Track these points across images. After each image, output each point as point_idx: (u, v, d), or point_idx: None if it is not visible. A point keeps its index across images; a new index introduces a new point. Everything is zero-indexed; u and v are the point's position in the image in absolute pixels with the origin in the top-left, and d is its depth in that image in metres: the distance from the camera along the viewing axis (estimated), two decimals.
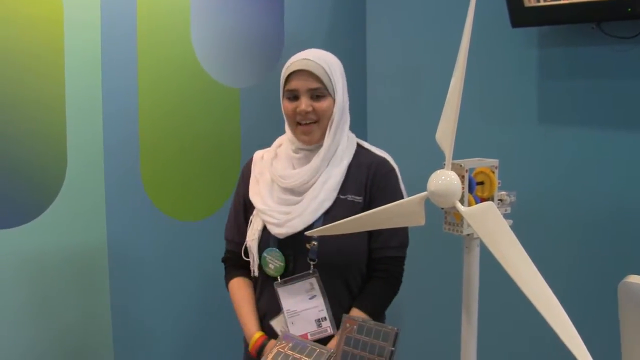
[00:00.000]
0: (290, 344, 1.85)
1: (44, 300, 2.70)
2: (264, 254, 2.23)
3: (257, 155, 2.41)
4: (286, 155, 2.31)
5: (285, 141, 2.34)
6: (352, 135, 2.32)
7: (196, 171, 3.17)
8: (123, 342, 2.95)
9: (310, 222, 2.16)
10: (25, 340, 2.65)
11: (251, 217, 2.31)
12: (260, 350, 2.19)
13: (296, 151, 2.28)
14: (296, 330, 2.18)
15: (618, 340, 1.60)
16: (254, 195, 2.31)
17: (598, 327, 2.26)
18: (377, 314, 2.24)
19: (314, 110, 2.19)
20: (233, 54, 3.27)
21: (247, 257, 2.29)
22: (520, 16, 2.94)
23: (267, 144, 2.42)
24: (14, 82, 2.56)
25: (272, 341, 2.17)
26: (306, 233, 2.01)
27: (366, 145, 2.35)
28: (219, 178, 3.24)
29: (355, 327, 1.80)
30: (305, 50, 2.26)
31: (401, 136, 3.59)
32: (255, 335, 2.23)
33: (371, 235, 2.23)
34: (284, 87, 2.24)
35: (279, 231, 2.19)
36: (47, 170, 2.68)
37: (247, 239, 2.29)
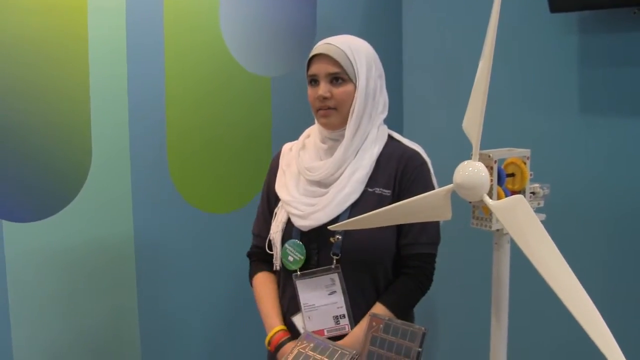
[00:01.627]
0: (312, 344, 1.78)
1: (71, 294, 2.68)
2: (286, 245, 2.17)
3: (286, 147, 2.36)
4: (314, 146, 2.24)
5: (314, 131, 2.27)
6: (384, 127, 2.24)
7: (225, 162, 3.12)
8: (150, 336, 2.92)
9: (335, 215, 2.09)
10: (52, 333, 2.63)
11: (276, 209, 2.26)
12: (279, 346, 2.12)
13: (323, 141, 2.21)
14: (313, 325, 2.12)
15: None
16: (279, 187, 2.26)
17: (636, 332, 2.17)
18: (402, 312, 2.14)
19: (333, 96, 2.11)
20: (263, 42, 3.20)
21: (272, 250, 2.23)
22: (559, 1, 2.84)
23: (298, 134, 2.36)
24: (37, 72, 2.53)
25: (292, 342, 2.09)
26: (329, 227, 1.93)
27: (397, 136, 2.26)
28: (249, 170, 3.18)
29: (381, 326, 1.73)
30: (334, 36, 2.19)
31: (439, 127, 3.51)
32: (275, 327, 2.17)
33: (400, 231, 2.15)
34: (307, 72, 2.18)
35: (303, 223, 2.13)
36: (71, 162, 2.65)
37: (271, 231, 2.24)
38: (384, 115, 2.23)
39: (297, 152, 2.26)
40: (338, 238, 2.09)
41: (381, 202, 2.08)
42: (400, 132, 2.30)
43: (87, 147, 2.67)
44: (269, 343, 2.16)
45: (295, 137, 2.36)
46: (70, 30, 2.60)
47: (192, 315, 3.06)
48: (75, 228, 2.66)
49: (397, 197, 2.11)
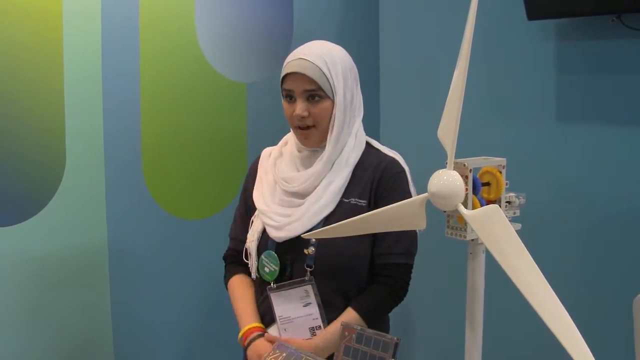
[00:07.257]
0: (284, 354, 1.76)
1: (43, 301, 2.65)
2: (262, 257, 2.14)
3: (266, 152, 2.32)
4: (291, 155, 2.21)
5: (292, 139, 2.24)
6: (362, 133, 2.20)
7: (200, 168, 3.09)
8: (123, 342, 2.89)
9: (310, 226, 2.06)
10: (23, 341, 2.59)
11: (252, 217, 2.23)
12: (251, 341, 2.09)
13: (300, 150, 2.18)
14: (288, 337, 2.08)
15: (632, 358, 1.51)
16: (257, 196, 2.22)
17: (611, 343, 2.17)
18: (373, 319, 2.09)
19: (310, 115, 2.07)
20: (239, 47, 3.18)
21: (247, 258, 2.21)
22: (537, 8, 2.83)
23: (274, 140, 2.33)
24: (11, 75, 2.50)
25: (264, 341, 2.07)
26: (302, 235, 1.91)
27: (376, 144, 2.23)
28: (224, 176, 3.16)
29: (354, 335, 1.71)
30: (307, 44, 2.13)
31: (416, 134, 3.47)
32: (250, 324, 2.14)
33: (375, 241, 2.13)
34: (281, 85, 2.13)
35: (277, 234, 2.10)
36: (45, 166, 2.61)
37: (247, 240, 2.21)
38: (360, 116, 2.19)
39: (274, 160, 2.23)
40: (312, 250, 2.07)
41: (357, 212, 2.01)
42: (377, 137, 2.27)
43: (60, 152, 2.64)
44: (242, 338, 2.12)
45: (271, 143, 2.33)
46: (45, 34, 2.57)
47: (166, 321, 3.03)
48: (48, 233, 2.62)
49: (373, 206, 2.08)
